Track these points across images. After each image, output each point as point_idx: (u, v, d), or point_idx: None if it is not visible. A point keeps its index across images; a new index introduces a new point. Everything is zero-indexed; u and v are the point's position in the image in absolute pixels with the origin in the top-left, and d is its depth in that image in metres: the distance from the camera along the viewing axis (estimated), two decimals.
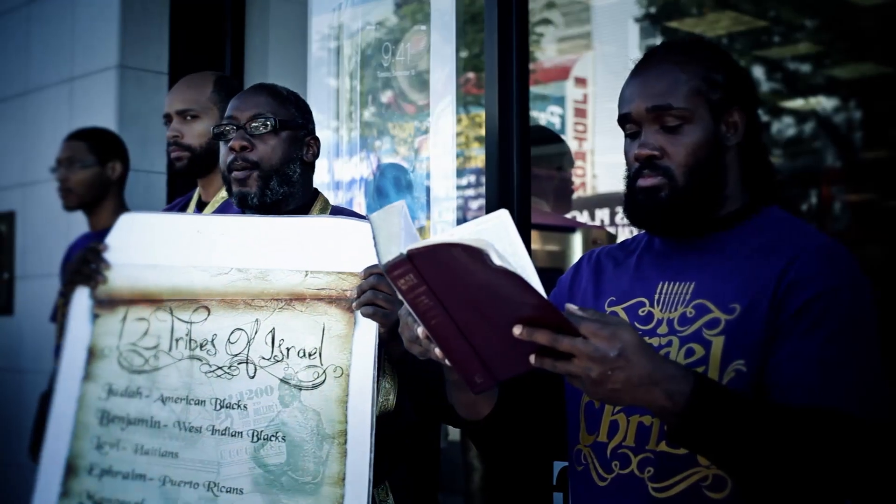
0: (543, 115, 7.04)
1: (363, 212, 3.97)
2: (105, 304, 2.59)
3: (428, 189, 3.81)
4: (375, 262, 2.23)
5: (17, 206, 5.21)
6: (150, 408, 2.51)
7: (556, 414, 2.27)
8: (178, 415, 2.49)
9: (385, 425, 2.52)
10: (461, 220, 3.84)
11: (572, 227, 6.57)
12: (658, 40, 6.29)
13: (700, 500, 1.98)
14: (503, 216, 1.78)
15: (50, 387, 4.07)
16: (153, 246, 2.60)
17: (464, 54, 4.24)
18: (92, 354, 2.59)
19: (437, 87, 3.82)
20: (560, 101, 7.31)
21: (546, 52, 6.91)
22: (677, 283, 2.12)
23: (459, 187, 3.83)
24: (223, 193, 3.16)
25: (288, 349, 2.43)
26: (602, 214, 6.38)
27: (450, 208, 3.76)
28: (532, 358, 1.75)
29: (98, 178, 4.00)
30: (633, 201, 2.15)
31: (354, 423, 2.37)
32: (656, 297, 2.14)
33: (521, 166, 3.57)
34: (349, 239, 2.45)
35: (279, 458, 2.40)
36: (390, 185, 3.95)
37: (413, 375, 2.41)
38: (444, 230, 3.76)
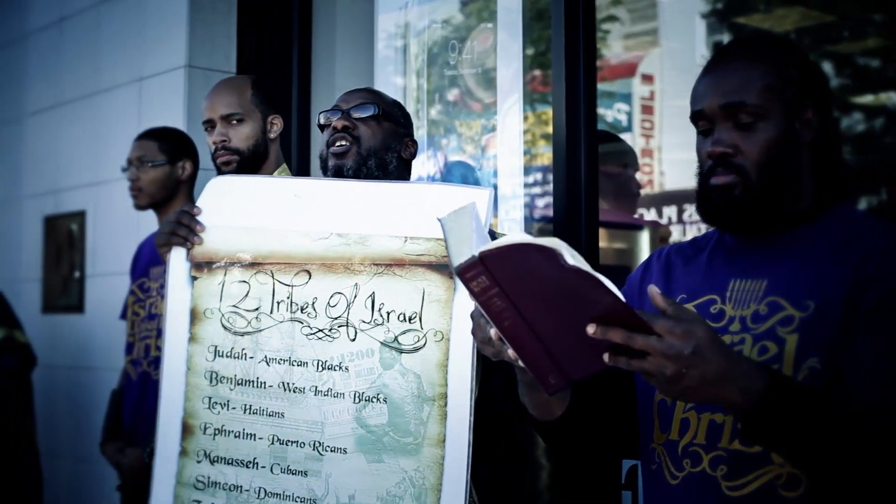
0: (610, 113, 7.01)
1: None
2: (202, 266, 2.61)
3: (495, 187, 3.81)
4: None
5: (88, 206, 5.26)
6: (255, 369, 2.55)
7: (628, 412, 2.26)
8: (282, 376, 2.52)
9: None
10: (528, 218, 3.84)
11: (639, 224, 6.54)
12: (725, 36, 6.24)
13: (774, 499, 1.95)
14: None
15: (121, 384, 4.13)
16: (248, 209, 2.61)
17: (529, 52, 4.23)
18: (194, 316, 2.62)
19: (503, 84, 3.82)
20: (627, 98, 7.27)
21: (612, 49, 6.88)
22: (749, 281, 2.10)
23: (526, 185, 3.83)
24: None
25: (388, 313, 2.45)
26: (669, 212, 6.35)
27: (517, 206, 3.75)
28: (606, 356, 1.74)
29: (168, 176, 4.02)
30: (706, 199, 2.14)
31: (454, 387, 2.38)
32: (728, 294, 2.12)
33: (589, 164, 3.56)
34: (451, 206, 2.45)
35: (381, 418, 2.43)
36: (457, 182, 3.95)
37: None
38: (510, 228, 3.75)
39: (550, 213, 3.72)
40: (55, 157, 5.57)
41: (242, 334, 2.57)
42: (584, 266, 1.64)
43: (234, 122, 3.35)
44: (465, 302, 2.38)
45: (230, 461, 2.58)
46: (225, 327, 2.58)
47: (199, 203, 2.66)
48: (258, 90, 3.40)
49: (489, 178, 3.83)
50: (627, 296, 2.29)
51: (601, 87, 3.69)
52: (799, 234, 2.11)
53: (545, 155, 4.24)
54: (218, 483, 2.58)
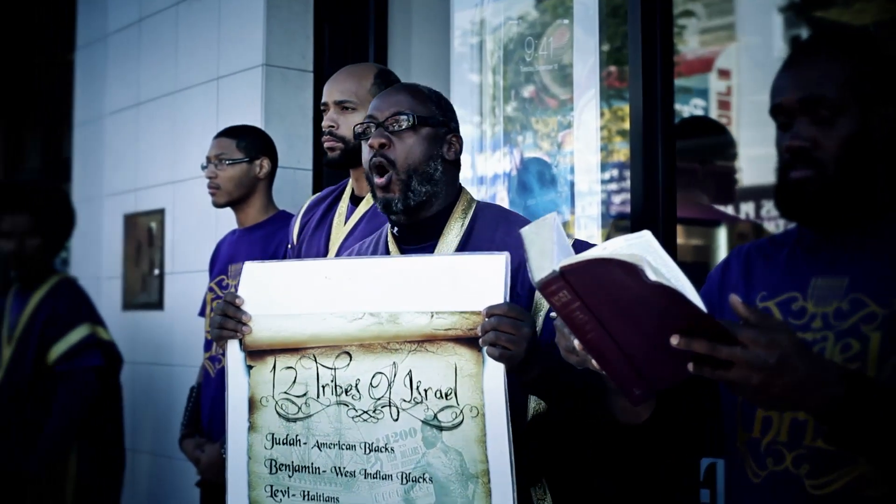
0: (686, 108, 6.96)
1: (507, 205, 3.98)
2: (255, 354, 2.60)
3: (571, 184, 3.80)
4: (497, 300, 2.30)
5: (167, 204, 5.32)
6: (310, 454, 2.54)
7: (712, 412, 2.25)
8: (333, 460, 2.51)
9: (541, 424, 2.52)
10: (605, 215, 3.83)
11: (717, 220, 6.48)
12: (803, 30, 6.17)
13: (858, 499, 1.93)
14: (647, 236, 1.80)
15: (199, 380, 4.16)
16: (286, 294, 2.59)
17: (605, 48, 4.21)
18: (252, 405, 2.61)
19: (580, 80, 3.80)
20: (703, 93, 7.21)
21: (688, 44, 6.83)
22: (831, 277, 2.08)
23: (602, 181, 3.81)
24: None
25: (426, 391, 2.42)
26: (747, 208, 6.29)
27: (593, 203, 3.74)
28: (690, 366, 1.73)
29: (246, 174, 4.04)
30: (785, 194, 2.12)
31: (495, 463, 2.36)
32: (809, 291, 2.10)
33: (666, 160, 3.54)
34: (472, 275, 2.42)
35: (429, 498, 2.41)
36: (533, 179, 3.94)
37: (557, 391, 2.41)
38: (586, 225, 3.74)
39: (627, 209, 3.70)
40: (134, 156, 5.63)
41: (295, 420, 2.56)
42: (667, 281, 1.63)
43: (347, 109, 3.33)
44: (493, 375, 2.36)
45: None
46: (279, 414, 2.58)
47: (239, 291, 2.63)
48: (381, 81, 3.33)
49: (565, 175, 3.82)
50: (707, 294, 2.28)
51: (677, 82, 3.66)
52: (880, 229, 2.08)
53: (622, 151, 4.22)
54: None
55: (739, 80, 7.23)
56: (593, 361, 1.84)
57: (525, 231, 1.90)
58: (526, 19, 4.09)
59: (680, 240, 4.09)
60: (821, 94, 2.06)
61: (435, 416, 2.41)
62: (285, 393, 2.57)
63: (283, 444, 2.57)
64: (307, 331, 2.55)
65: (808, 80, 2.09)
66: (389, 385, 2.46)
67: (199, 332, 4.28)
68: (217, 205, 4.09)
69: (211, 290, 4.16)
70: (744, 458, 2.14)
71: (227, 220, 4.32)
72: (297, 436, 2.56)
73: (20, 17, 8.15)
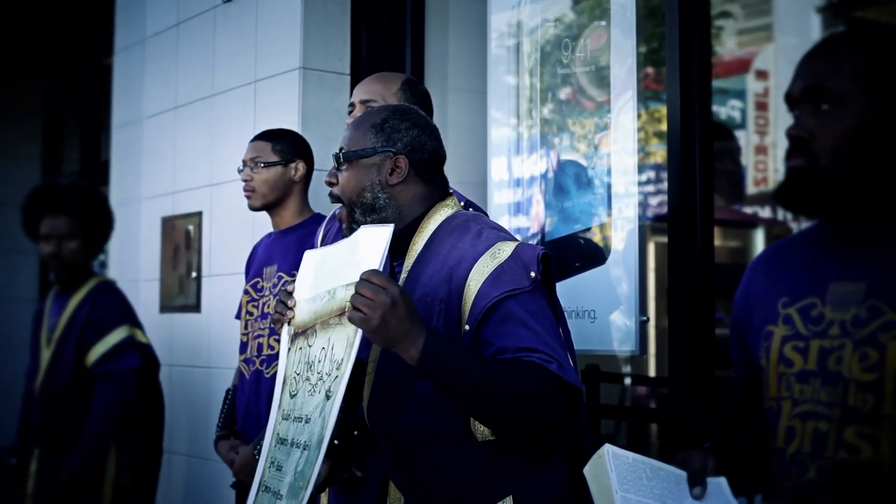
0: (724, 110, 6.94)
1: (542, 208, 3.97)
2: (294, 338, 2.69)
3: (608, 186, 3.79)
4: (373, 267, 2.38)
5: (204, 207, 5.34)
6: (289, 428, 2.59)
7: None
8: (292, 433, 2.56)
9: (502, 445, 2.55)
10: (642, 217, 3.81)
11: (753, 222, 6.46)
12: (841, 30, 6.14)
13: None
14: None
15: (234, 383, 4.18)
16: (314, 278, 2.68)
17: (643, 49, 4.20)
18: (283, 385, 2.69)
19: (617, 82, 3.79)
20: (741, 94, 7.18)
21: (726, 46, 6.81)
22: (849, 282, 2.05)
23: (640, 183, 3.80)
24: None
25: (332, 362, 2.47)
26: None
27: (630, 205, 3.72)
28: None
29: (281, 177, 4.05)
30: (781, 182, 2.12)
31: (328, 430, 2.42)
32: (828, 296, 2.07)
33: (704, 161, 3.53)
34: (365, 247, 2.50)
35: (301, 465, 2.45)
36: (570, 181, 3.94)
37: (446, 384, 2.42)
38: (623, 227, 3.73)
39: (664, 211, 3.69)
40: (172, 159, 5.65)
41: (293, 396, 2.63)
42: None
43: (370, 108, 3.35)
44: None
45: None
46: (290, 393, 2.64)
47: (297, 278, 2.73)
48: (407, 89, 3.36)
49: (602, 177, 3.80)
50: (736, 321, 2.32)
51: (714, 83, 3.65)
52: None
53: (659, 153, 4.22)
54: None
55: (777, 81, 7.20)
56: None
57: (586, 470, 2.12)
58: (563, 21, 4.08)
59: (717, 241, 4.08)
60: (821, 85, 2.06)
61: (330, 387, 2.45)
62: (295, 372, 2.64)
63: (285, 419, 2.63)
64: (311, 313, 2.62)
65: (815, 71, 2.09)
66: (324, 359, 2.52)
67: (235, 335, 4.29)
68: (253, 208, 4.10)
69: (246, 292, 4.17)
70: (769, 468, 2.14)
71: (264, 223, 4.33)
72: (291, 410, 2.62)
73: (59, 22, 8.22)
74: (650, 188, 4.46)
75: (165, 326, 5.57)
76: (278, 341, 3.91)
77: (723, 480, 2.09)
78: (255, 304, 4.09)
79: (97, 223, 4.95)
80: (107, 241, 5.15)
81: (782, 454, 2.08)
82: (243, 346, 4.12)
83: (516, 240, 2.59)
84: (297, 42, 4.79)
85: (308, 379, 2.56)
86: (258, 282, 4.12)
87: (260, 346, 4.01)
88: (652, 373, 5.41)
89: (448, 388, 2.40)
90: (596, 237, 3.79)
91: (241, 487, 4.04)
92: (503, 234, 2.61)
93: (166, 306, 5.63)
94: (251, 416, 3.99)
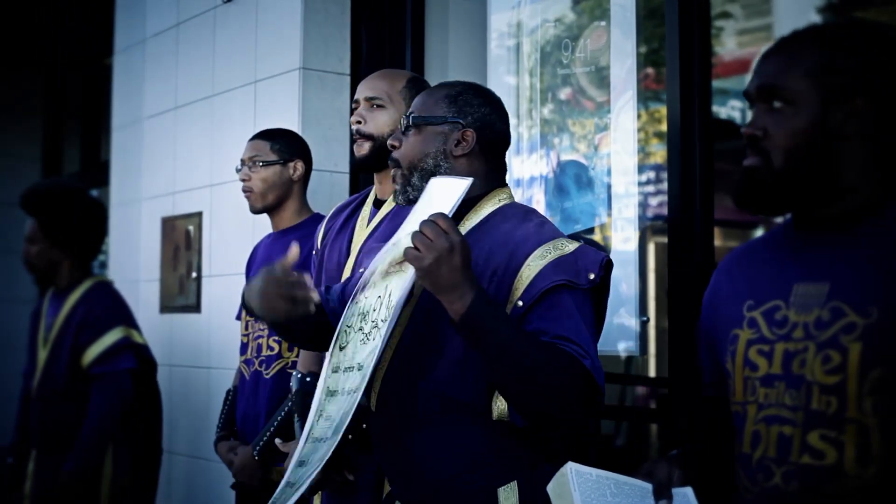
0: (724, 110, 6.93)
1: (542, 208, 3.97)
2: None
3: (608, 186, 3.79)
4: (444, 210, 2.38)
5: (205, 207, 5.33)
6: (339, 379, 2.58)
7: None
8: (343, 383, 2.55)
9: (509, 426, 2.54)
10: (642, 218, 3.81)
11: (754, 222, 6.45)
12: None
13: None
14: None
15: (235, 384, 4.18)
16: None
17: (643, 49, 4.19)
18: (335, 342, 2.68)
19: (617, 82, 3.79)
20: (741, 94, 7.18)
21: (726, 46, 6.80)
22: (812, 284, 2.05)
23: (640, 183, 3.80)
24: None
25: (388, 308, 2.46)
26: None
27: (630, 205, 3.72)
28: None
29: (280, 176, 4.05)
30: (737, 181, 2.13)
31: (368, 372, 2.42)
32: (792, 298, 2.07)
33: (704, 162, 3.52)
34: (438, 197, 2.51)
35: (344, 407, 2.46)
36: (570, 182, 3.94)
37: (483, 346, 2.40)
38: (623, 228, 3.73)
39: (664, 211, 3.68)
40: (172, 160, 5.65)
41: (342, 349, 2.62)
42: None
43: (375, 106, 3.34)
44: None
45: (301, 462, 2.59)
46: (340, 346, 2.63)
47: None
48: (413, 86, 3.36)
49: (602, 177, 3.80)
50: (704, 320, 2.35)
51: (714, 84, 3.64)
52: (863, 231, 2.04)
53: (659, 153, 4.21)
54: (292, 483, 2.59)
55: None
56: None
57: (549, 489, 2.12)
58: (563, 21, 4.08)
59: (717, 242, 4.07)
60: (774, 84, 2.07)
61: (381, 331, 2.44)
62: (347, 325, 2.64)
63: (335, 371, 2.61)
64: (374, 266, 2.62)
65: (769, 69, 2.09)
66: (379, 307, 2.51)
67: (235, 335, 4.29)
68: (254, 210, 4.10)
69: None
70: (738, 473, 2.12)
71: (264, 224, 4.33)
72: (340, 362, 2.60)
73: (59, 22, 8.22)
74: (650, 188, 4.45)
75: (165, 327, 5.56)
76: (278, 342, 3.93)
77: (689, 491, 2.07)
78: None
79: (63, 227, 4.85)
80: (83, 243, 4.93)
81: (748, 459, 2.08)
82: (243, 347, 4.12)
83: (578, 242, 2.60)
84: (297, 42, 4.79)
85: (361, 329, 2.54)
86: None
87: (259, 347, 4.01)
88: (652, 373, 5.40)
89: (484, 349, 2.39)
90: (596, 238, 3.78)
91: (241, 488, 4.04)
92: (563, 234, 2.64)
93: (166, 307, 5.63)
94: (251, 417, 3.99)
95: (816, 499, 1.96)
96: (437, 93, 2.76)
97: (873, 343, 1.92)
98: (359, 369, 2.48)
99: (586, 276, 2.50)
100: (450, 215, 2.40)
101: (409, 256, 2.33)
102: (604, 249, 2.64)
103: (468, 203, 2.65)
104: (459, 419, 2.53)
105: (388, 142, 2.77)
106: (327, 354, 2.69)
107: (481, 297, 2.35)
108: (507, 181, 2.81)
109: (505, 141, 2.79)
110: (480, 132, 2.71)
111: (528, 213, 2.70)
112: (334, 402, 2.55)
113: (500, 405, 2.49)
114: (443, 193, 2.51)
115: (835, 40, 2.07)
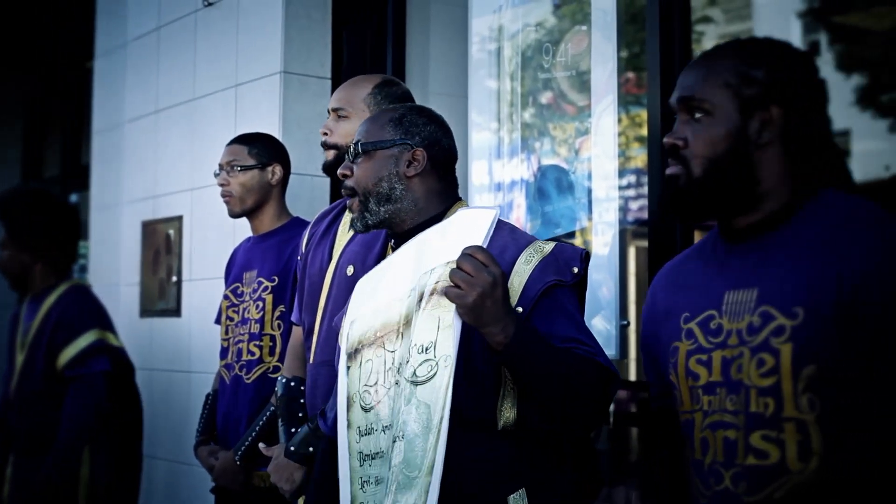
0: None
1: (523, 212, 3.97)
2: (352, 355, 2.64)
3: (589, 190, 3.79)
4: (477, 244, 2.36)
5: (185, 211, 5.32)
6: (378, 440, 2.53)
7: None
8: (386, 441, 2.50)
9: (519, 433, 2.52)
10: (622, 221, 3.81)
11: None
12: (822, 36, 6.16)
13: None
14: None
15: (214, 388, 4.16)
16: (372, 294, 2.66)
17: (624, 54, 4.20)
18: (348, 403, 2.63)
19: (597, 87, 3.79)
20: None
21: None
22: (742, 291, 2.11)
23: (620, 188, 3.80)
24: None
25: (414, 346, 2.42)
26: None
27: (611, 209, 3.72)
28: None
29: (258, 181, 4.05)
30: (662, 190, 2.21)
31: (448, 408, 2.34)
32: (724, 307, 2.13)
33: None
34: (463, 228, 2.48)
35: (399, 457, 2.39)
36: (551, 186, 3.94)
37: (526, 374, 2.40)
38: (604, 232, 3.73)
39: (645, 215, 3.69)
40: (153, 164, 5.64)
41: (370, 410, 2.56)
42: None
43: (340, 117, 3.36)
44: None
45: None
46: (363, 407, 2.58)
47: (349, 306, 2.73)
48: (378, 90, 3.37)
49: (583, 181, 3.81)
50: (647, 340, 2.38)
51: None
52: (782, 235, 2.11)
53: (640, 157, 4.22)
54: None
55: None
56: None
57: None
58: (544, 26, 4.08)
59: None
60: (693, 95, 2.15)
61: (415, 371, 2.39)
62: (365, 385, 2.58)
63: (366, 434, 2.56)
64: (380, 321, 2.58)
65: (689, 80, 2.18)
66: (413, 353, 2.44)
67: (215, 339, 4.28)
68: (233, 214, 4.10)
69: (226, 297, 4.16)
70: (693, 479, 2.18)
71: (243, 228, 4.33)
72: (370, 424, 2.55)
73: (40, 25, 8.19)
74: (631, 192, 4.46)
75: (146, 331, 5.55)
76: (259, 347, 3.92)
77: None
78: (236, 309, 4.08)
79: (29, 231, 4.80)
80: (53, 248, 4.87)
81: (700, 465, 2.14)
82: (224, 352, 4.11)
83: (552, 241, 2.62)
84: (279, 46, 4.79)
85: (397, 383, 2.48)
86: (238, 287, 4.11)
87: (240, 352, 4.00)
88: (632, 377, 5.40)
89: (526, 374, 2.39)
90: (577, 241, 3.79)
91: (221, 492, 4.03)
92: (534, 236, 2.65)
93: (146, 310, 5.62)
94: (231, 421, 3.98)
95: (763, 496, 2.02)
96: (380, 118, 2.78)
97: (803, 343, 1.99)
98: (426, 427, 2.40)
99: (570, 271, 2.53)
100: (485, 246, 2.38)
101: (450, 295, 2.31)
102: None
103: (431, 221, 2.68)
104: (468, 432, 2.52)
105: (339, 172, 2.78)
106: (341, 423, 2.63)
107: (521, 326, 2.35)
108: (460, 195, 2.84)
109: (453, 156, 2.81)
110: (430, 150, 2.73)
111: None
112: (378, 465, 2.51)
113: (505, 415, 2.49)
114: (469, 223, 2.48)
115: (750, 54, 2.16)
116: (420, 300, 2.45)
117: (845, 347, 1.96)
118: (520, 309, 2.47)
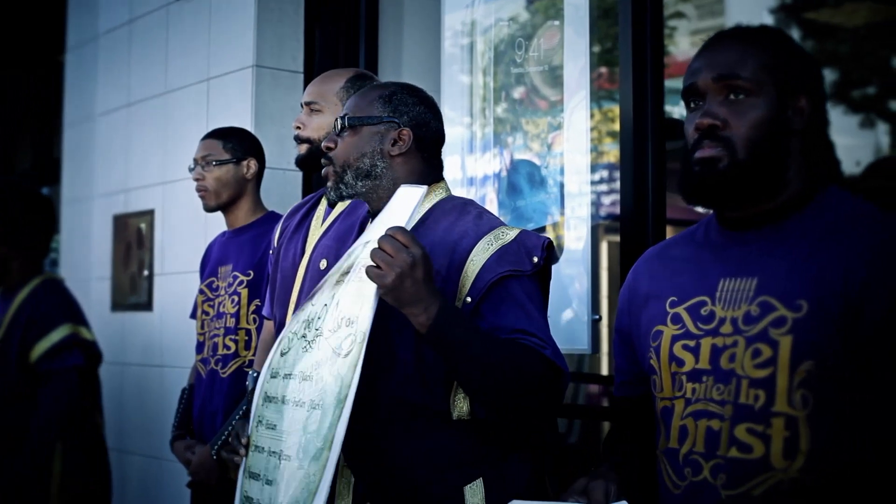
0: (677, 110, 6.97)
1: (495, 207, 3.98)
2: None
3: (561, 185, 3.80)
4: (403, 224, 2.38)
5: (157, 205, 5.31)
6: (278, 385, 2.59)
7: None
8: (282, 390, 2.56)
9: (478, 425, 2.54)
10: (594, 216, 3.82)
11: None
12: (794, 32, 6.18)
13: None
14: None
15: (190, 382, 4.16)
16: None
17: (596, 49, 4.21)
18: (277, 346, 2.71)
19: (570, 82, 3.80)
20: None
21: (679, 46, 6.83)
22: (739, 279, 2.07)
23: (592, 183, 3.81)
24: None
25: (342, 319, 2.45)
26: None
27: (583, 204, 3.73)
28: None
29: (233, 175, 4.04)
30: (690, 174, 2.12)
31: (354, 385, 2.36)
32: (718, 294, 2.09)
33: (656, 161, 3.54)
34: (396, 207, 2.51)
35: (314, 425, 2.41)
36: (523, 181, 3.94)
37: (452, 356, 2.40)
38: (576, 226, 3.74)
39: (617, 210, 3.70)
40: (125, 157, 5.62)
41: (284, 354, 2.63)
42: None
43: (312, 110, 3.36)
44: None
45: (253, 475, 2.63)
46: (282, 353, 2.63)
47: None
48: (350, 84, 3.36)
49: (555, 176, 3.81)
50: (619, 324, 2.36)
51: (668, 83, 3.66)
52: (788, 227, 2.08)
53: (612, 152, 4.22)
54: (251, 498, 2.62)
55: None
56: None
57: None
58: (517, 20, 4.09)
59: None
60: (736, 73, 2.08)
61: (340, 343, 2.42)
62: (291, 332, 2.65)
63: (273, 377, 2.62)
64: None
65: (724, 60, 2.10)
66: (324, 315, 2.50)
67: (189, 334, 4.28)
68: (207, 209, 4.09)
69: (202, 292, 4.15)
70: (663, 467, 2.14)
71: (216, 222, 4.32)
72: (279, 369, 2.62)
73: (10, 19, 8.14)
74: (603, 187, 4.46)
75: (117, 325, 5.53)
76: (234, 341, 3.92)
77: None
78: (211, 303, 4.08)
79: (6, 224, 4.73)
80: (29, 240, 4.79)
81: (675, 454, 2.10)
82: (199, 346, 4.10)
83: (517, 228, 2.62)
84: (251, 40, 4.78)
85: (304, 336, 2.54)
86: (213, 281, 4.10)
87: (215, 346, 3.99)
88: (604, 371, 5.41)
89: (451, 358, 2.40)
90: (549, 236, 3.79)
91: (197, 487, 4.02)
92: (502, 221, 2.66)
93: (118, 304, 5.60)
94: (207, 415, 3.97)
95: (743, 491, 1.98)
96: (370, 94, 2.78)
97: (803, 336, 1.95)
98: (303, 379, 2.48)
99: (530, 261, 2.52)
100: (408, 227, 2.40)
101: (370, 275, 2.33)
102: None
103: None
104: (422, 422, 2.54)
105: (323, 144, 2.79)
106: (268, 358, 2.70)
107: (444, 307, 2.36)
108: (443, 176, 2.84)
109: (440, 138, 2.81)
110: (416, 131, 2.74)
111: (465, 205, 2.73)
112: (276, 409, 2.56)
113: (458, 405, 2.50)
114: (401, 202, 2.51)
115: (775, 40, 2.13)
116: (349, 272, 2.48)
117: (845, 345, 1.93)
118: (468, 299, 2.48)
